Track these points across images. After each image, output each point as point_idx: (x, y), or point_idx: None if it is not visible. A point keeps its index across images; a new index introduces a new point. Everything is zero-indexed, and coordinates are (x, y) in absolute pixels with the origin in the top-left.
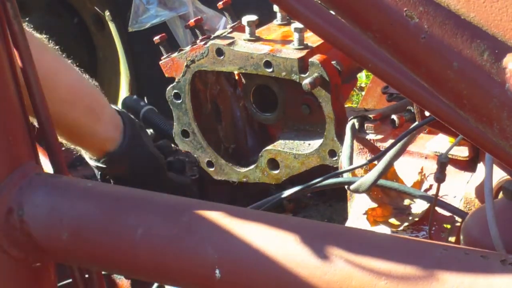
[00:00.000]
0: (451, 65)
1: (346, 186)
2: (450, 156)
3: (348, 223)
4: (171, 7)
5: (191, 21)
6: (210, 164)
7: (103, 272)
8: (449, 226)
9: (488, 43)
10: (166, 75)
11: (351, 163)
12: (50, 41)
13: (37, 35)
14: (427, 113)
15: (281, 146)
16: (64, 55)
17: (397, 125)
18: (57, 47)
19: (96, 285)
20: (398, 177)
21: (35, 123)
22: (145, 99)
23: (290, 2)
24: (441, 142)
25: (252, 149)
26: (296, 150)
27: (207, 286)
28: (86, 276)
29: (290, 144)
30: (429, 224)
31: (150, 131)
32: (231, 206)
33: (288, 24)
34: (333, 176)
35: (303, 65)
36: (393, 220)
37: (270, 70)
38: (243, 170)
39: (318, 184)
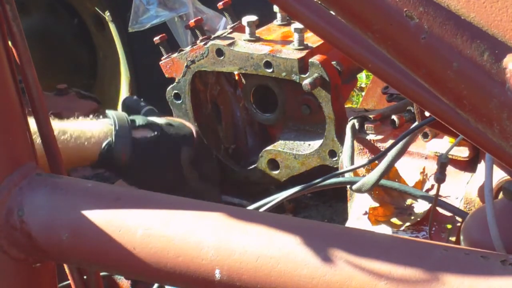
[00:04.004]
0: (451, 65)
1: (348, 186)
2: (450, 156)
3: (349, 224)
4: (171, 7)
5: (191, 22)
6: None
7: (104, 273)
8: (450, 226)
9: (488, 44)
10: (166, 76)
11: (352, 163)
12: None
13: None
14: (427, 113)
15: (281, 146)
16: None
17: (397, 125)
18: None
19: (94, 287)
20: (400, 177)
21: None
22: (145, 99)
23: (290, 2)
24: (441, 143)
25: (252, 150)
26: (296, 150)
27: (207, 286)
28: (85, 277)
29: (290, 144)
30: (429, 225)
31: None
32: (231, 206)
33: (288, 24)
34: (334, 176)
35: (303, 65)
36: (394, 220)
37: (270, 70)
38: (243, 170)
39: (320, 184)
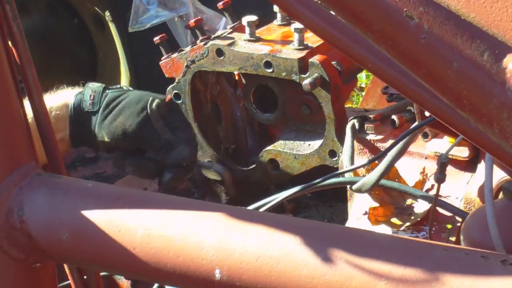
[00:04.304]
0: (451, 65)
1: (348, 186)
2: (450, 156)
3: (348, 224)
4: (171, 7)
5: (191, 22)
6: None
7: (104, 273)
8: (450, 226)
9: (488, 44)
10: (166, 76)
11: (352, 163)
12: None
13: None
14: (427, 113)
15: (281, 146)
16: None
17: (397, 125)
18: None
19: (94, 287)
20: (400, 177)
21: None
22: None
23: (290, 2)
24: (441, 143)
25: (252, 150)
26: (296, 150)
27: (207, 286)
28: (85, 277)
29: (290, 144)
30: (429, 225)
31: None
32: (231, 206)
33: (288, 24)
34: (334, 176)
35: (303, 65)
36: (394, 220)
37: (270, 70)
38: (243, 170)
39: (320, 184)
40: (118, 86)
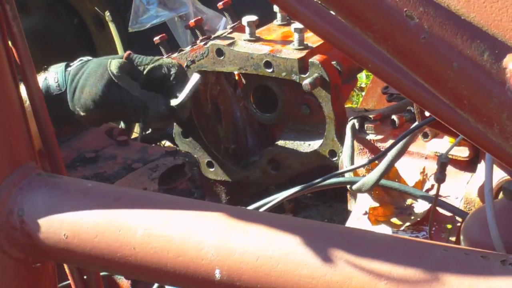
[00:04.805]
0: (451, 65)
1: (348, 186)
2: (450, 156)
3: (348, 223)
4: (171, 7)
5: (191, 22)
6: (210, 164)
7: (104, 273)
8: (450, 226)
9: (488, 43)
10: None
11: (352, 163)
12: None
13: None
14: (427, 113)
15: (281, 146)
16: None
17: (397, 125)
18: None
19: (94, 287)
20: (400, 177)
21: None
22: None
23: (290, 2)
24: (441, 142)
25: (252, 149)
26: (296, 150)
27: (207, 286)
28: (85, 277)
29: (290, 144)
30: (429, 225)
31: None
32: (231, 206)
33: (288, 24)
34: (334, 176)
35: (303, 65)
36: (394, 220)
37: (270, 70)
38: (243, 170)
39: (320, 184)
40: (79, 59)
